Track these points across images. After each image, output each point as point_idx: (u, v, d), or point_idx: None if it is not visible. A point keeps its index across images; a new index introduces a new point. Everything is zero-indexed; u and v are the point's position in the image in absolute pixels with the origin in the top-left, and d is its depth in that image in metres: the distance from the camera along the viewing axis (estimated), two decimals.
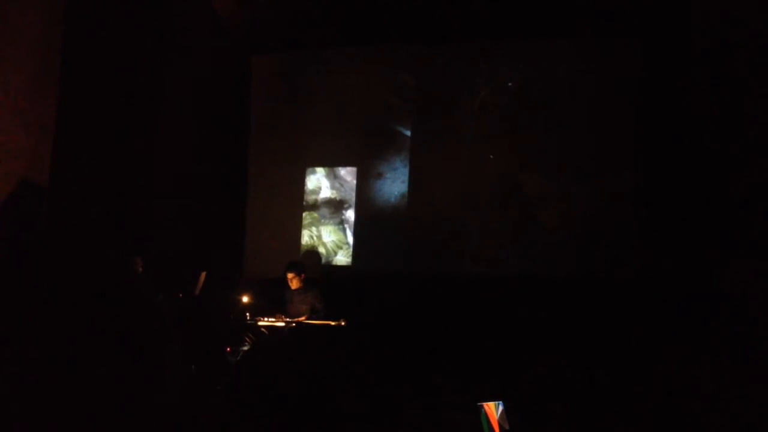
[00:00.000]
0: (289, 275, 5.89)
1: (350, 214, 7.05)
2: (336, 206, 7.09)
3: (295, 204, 7.17)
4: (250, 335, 5.57)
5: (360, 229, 6.98)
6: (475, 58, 6.90)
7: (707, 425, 4.44)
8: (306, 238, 7.01)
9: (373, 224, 6.97)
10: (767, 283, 4.72)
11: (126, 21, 5.68)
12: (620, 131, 6.41)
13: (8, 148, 4.38)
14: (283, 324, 5.59)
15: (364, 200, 7.05)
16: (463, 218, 6.70)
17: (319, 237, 7.01)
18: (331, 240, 6.99)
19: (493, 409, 3.35)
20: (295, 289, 5.91)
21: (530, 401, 4.61)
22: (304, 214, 7.13)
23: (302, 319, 5.65)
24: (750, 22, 5.16)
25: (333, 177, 7.14)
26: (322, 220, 7.07)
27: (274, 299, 6.05)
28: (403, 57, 7.08)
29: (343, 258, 6.97)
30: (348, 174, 7.12)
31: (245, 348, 5.47)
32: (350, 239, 6.98)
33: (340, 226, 7.02)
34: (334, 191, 7.11)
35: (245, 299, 5.87)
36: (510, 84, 6.78)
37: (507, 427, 3.28)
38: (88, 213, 5.07)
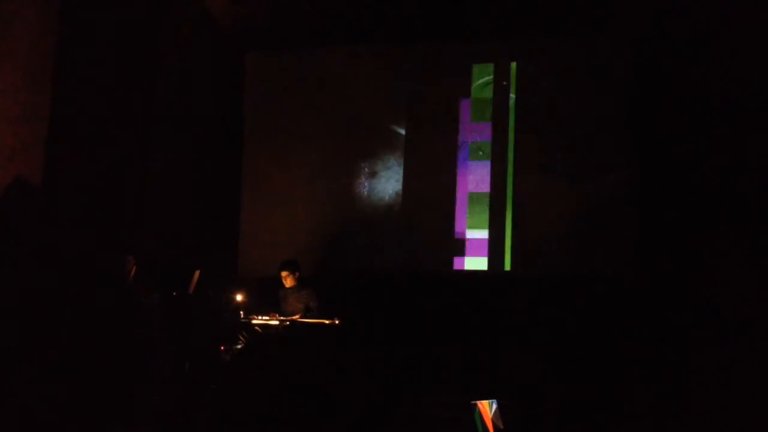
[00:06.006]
0: (283, 273, 5.88)
1: (345, 213, 7.04)
2: (330, 205, 7.07)
3: (289, 202, 7.15)
4: (244, 334, 5.56)
5: (354, 227, 6.98)
6: (470, 57, 6.90)
7: (705, 424, 4.47)
8: (300, 236, 6.99)
9: (367, 223, 6.97)
10: (764, 281, 4.74)
11: (120, 20, 5.66)
12: (617, 130, 6.42)
13: (1, 147, 4.36)
14: (277, 323, 5.59)
15: (357, 199, 7.04)
16: (458, 216, 6.71)
17: (314, 235, 6.99)
18: (326, 238, 6.97)
19: (487, 408, 3.36)
20: (290, 288, 5.90)
21: (524, 400, 4.63)
22: (298, 213, 7.11)
23: (296, 317, 5.65)
24: (746, 19, 5.18)
25: (327, 175, 7.13)
26: (316, 219, 7.05)
27: (268, 298, 6.05)
28: (398, 56, 7.07)
29: (337, 257, 6.95)
30: (342, 172, 7.11)
31: (239, 346, 5.47)
32: (344, 238, 6.97)
33: (334, 225, 7.01)
34: (329, 189, 7.10)
35: (239, 298, 5.86)
36: (504, 83, 6.79)
37: (501, 425, 3.29)
38: (81, 212, 5.05)
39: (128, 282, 4.72)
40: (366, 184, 7.03)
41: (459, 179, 6.78)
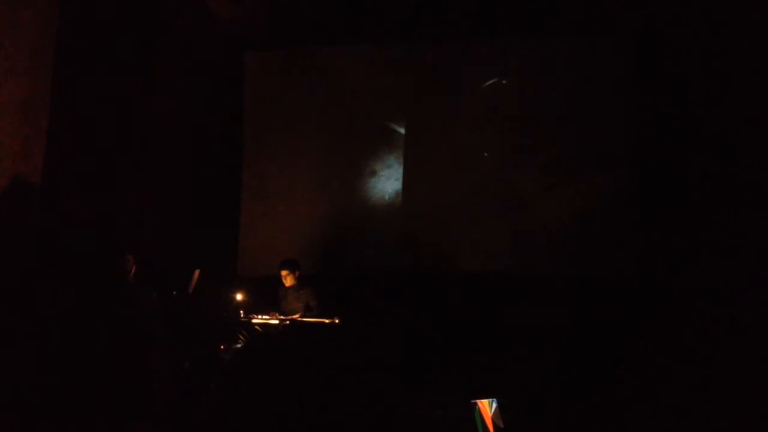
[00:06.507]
0: (283, 272, 5.89)
1: (344, 212, 7.04)
2: (330, 204, 7.07)
3: (289, 201, 7.16)
4: (244, 333, 5.56)
5: (354, 226, 6.98)
6: (469, 56, 6.90)
7: (706, 423, 4.46)
8: (300, 235, 6.99)
9: (367, 222, 6.96)
10: (762, 281, 4.74)
11: (119, 18, 5.65)
12: (615, 128, 6.42)
13: (1, 147, 4.35)
14: (277, 322, 5.58)
15: (357, 198, 7.04)
16: (458, 216, 6.71)
17: (313, 234, 6.99)
18: (325, 237, 6.97)
19: (487, 407, 3.36)
20: (289, 287, 5.90)
21: (524, 399, 4.62)
22: (298, 212, 7.11)
23: (296, 316, 5.65)
24: (744, 19, 5.18)
25: (327, 174, 7.13)
26: (316, 218, 7.05)
27: (268, 297, 6.05)
28: (397, 55, 7.07)
29: (337, 256, 6.95)
30: (342, 171, 7.11)
31: (239, 346, 5.47)
32: (344, 237, 6.97)
33: (334, 224, 7.00)
34: (329, 189, 7.10)
35: (239, 297, 5.86)
36: (504, 82, 6.79)
37: (501, 424, 3.29)
38: (80, 211, 5.04)
39: (128, 281, 4.71)
40: (366, 183, 7.03)
41: (457, 178, 6.78)
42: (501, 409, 3.38)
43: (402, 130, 7.00)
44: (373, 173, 7.02)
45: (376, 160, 7.03)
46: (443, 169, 6.82)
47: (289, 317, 5.63)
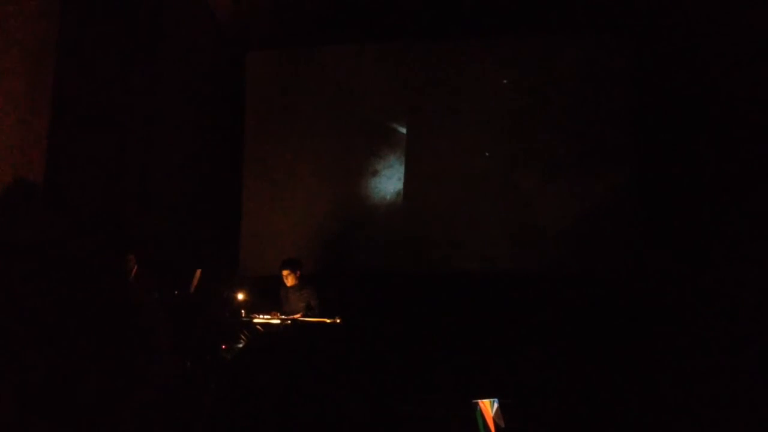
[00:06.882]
0: (285, 272, 5.89)
1: (346, 212, 7.04)
2: (331, 203, 7.07)
3: (290, 201, 7.16)
4: (246, 332, 5.56)
5: (355, 226, 6.98)
6: (471, 55, 6.90)
7: (706, 424, 4.46)
8: (301, 235, 7.00)
9: (368, 222, 6.97)
10: (762, 281, 4.74)
11: (120, 18, 5.65)
12: (617, 128, 6.42)
13: (1, 147, 4.36)
14: (278, 321, 5.58)
15: (359, 197, 7.04)
16: (459, 215, 6.71)
17: (315, 234, 6.99)
18: (327, 237, 6.97)
19: (489, 407, 3.36)
20: (291, 287, 5.91)
21: (525, 399, 4.62)
22: (299, 211, 7.12)
23: (297, 316, 5.65)
24: (744, 17, 5.17)
25: (328, 173, 7.13)
26: (318, 217, 7.05)
27: (269, 296, 6.05)
28: (398, 55, 7.07)
29: (338, 256, 6.95)
30: (344, 171, 7.11)
31: (240, 345, 5.47)
32: (345, 237, 6.97)
33: (335, 224, 7.01)
34: (330, 188, 7.10)
35: (240, 296, 5.87)
36: (505, 81, 6.78)
37: (502, 424, 3.29)
38: (81, 211, 5.04)
39: (129, 281, 4.71)
40: (367, 183, 7.03)
41: (459, 177, 6.78)
42: (502, 409, 3.38)
43: (403, 130, 7.00)
44: (375, 173, 7.02)
45: (377, 159, 7.03)
46: (444, 168, 6.82)
47: (291, 317, 5.63)
